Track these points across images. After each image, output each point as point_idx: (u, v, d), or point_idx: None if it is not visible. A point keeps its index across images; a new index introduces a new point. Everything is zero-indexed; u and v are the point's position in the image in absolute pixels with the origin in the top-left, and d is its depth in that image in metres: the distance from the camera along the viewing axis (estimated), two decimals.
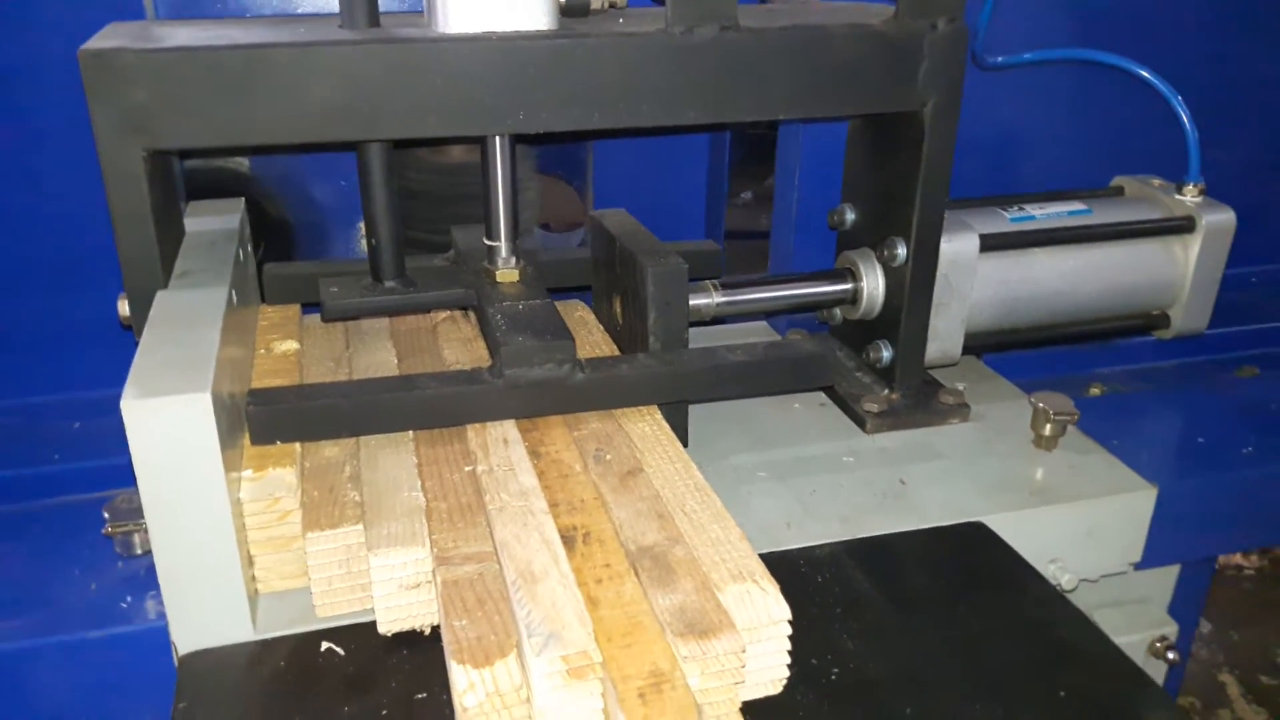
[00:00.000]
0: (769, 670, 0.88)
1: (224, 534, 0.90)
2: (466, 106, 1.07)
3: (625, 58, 1.10)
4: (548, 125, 1.11)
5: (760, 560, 0.90)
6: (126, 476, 1.23)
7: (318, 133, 1.05)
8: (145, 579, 1.05)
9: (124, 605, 1.01)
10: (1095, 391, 1.55)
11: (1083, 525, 1.23)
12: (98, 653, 0.98)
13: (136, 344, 1.07)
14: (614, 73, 1.10)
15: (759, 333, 1.66)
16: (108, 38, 1.02)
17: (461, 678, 0.78)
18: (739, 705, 0.83)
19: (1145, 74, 1.49)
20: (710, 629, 0.81)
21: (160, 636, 0.98)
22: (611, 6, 1.16)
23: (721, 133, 1.69)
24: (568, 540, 0.92)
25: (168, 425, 0.85)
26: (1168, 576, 1.46)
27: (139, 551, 1.06)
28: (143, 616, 1.01)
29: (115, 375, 1.40)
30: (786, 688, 0.90)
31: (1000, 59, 1.52)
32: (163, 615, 1.00)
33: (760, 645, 0.86)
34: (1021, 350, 1.52)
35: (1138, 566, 1.30)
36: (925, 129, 1.23)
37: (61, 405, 1.38)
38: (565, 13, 1.12)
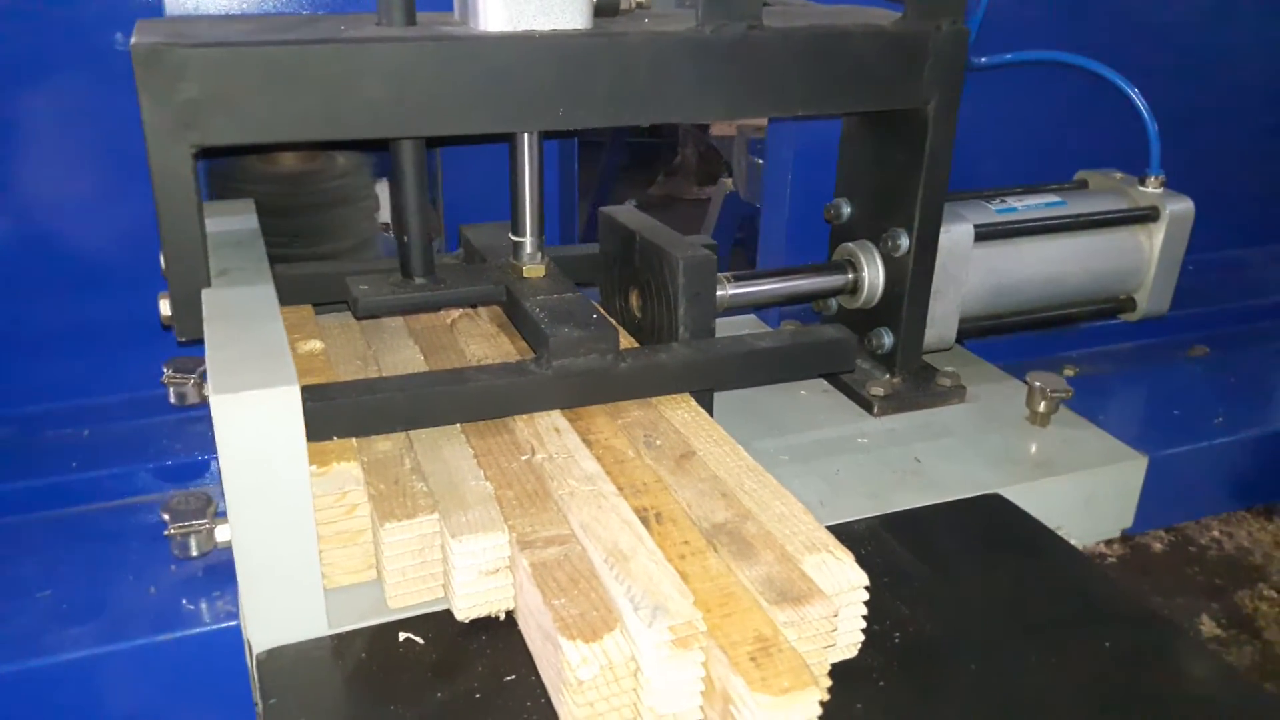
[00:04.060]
0: (847, 635, 0.92)
1: (306, 527, 0.90)
2: (510, 103, 1.09)
3: (659, 55, 1.13)
4: (585, 121, 1.13)
5: (829, 531, 0.95)
6: (144, 483, 1.23)
7: (364, 129, 1.05)
8: (203, 581, 1.03)
9: (187, 608, 1.00)
10: (1069, 372, 1.65)
11: (1082, 494, 1.32)
12: (166, 656, 0.96)
13: (177, 344, 1.06)
14: (648, 70, 1.13)
15: (751, 325, 1.71)
16: (146, 33, 1.01)
17: (574, 653, 0.80)
18: (828, 668, 0.87)
19: (1117, 79, 1.59)
20: (802, 596, 0.85)
21: (228, 636, 0.98)
22: (639, 6, 1.19)
23: (570, 139, 1.70)
24: (642, 521, 0.95)
25: (257, 419, 0.84)
26: None
27: (194, 554, 1.04)
28: (206, 618, 0.99)
29: (118, 382, 1.38)
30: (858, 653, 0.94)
31: (984, 60, 1.60)
32: (229, 615, 0.99)
33: (843, 610, 0.90)
34: (1004, 335, 1.61)
35: (1127, 532, 1.39)
36: (929, 124, 1.30)
37: (66, 413, 1.34)
38: (597, 12, 1.15)
